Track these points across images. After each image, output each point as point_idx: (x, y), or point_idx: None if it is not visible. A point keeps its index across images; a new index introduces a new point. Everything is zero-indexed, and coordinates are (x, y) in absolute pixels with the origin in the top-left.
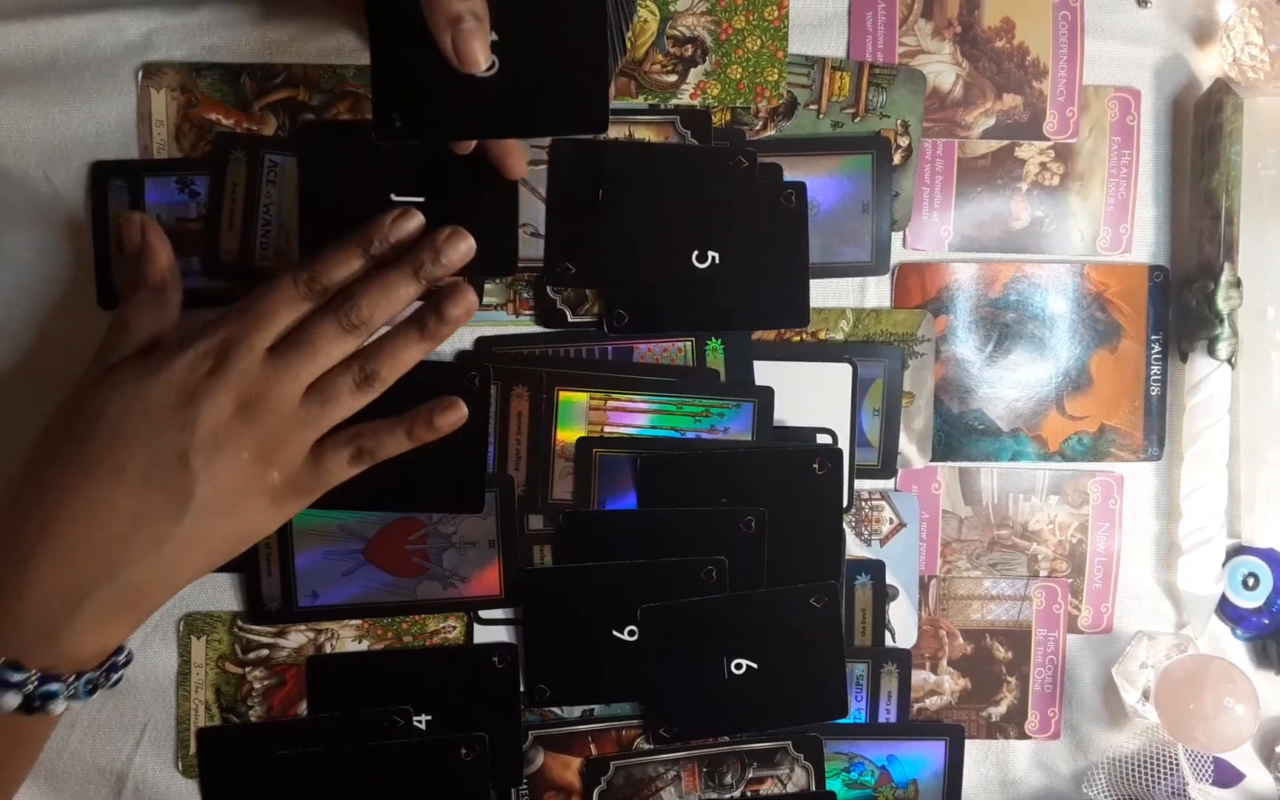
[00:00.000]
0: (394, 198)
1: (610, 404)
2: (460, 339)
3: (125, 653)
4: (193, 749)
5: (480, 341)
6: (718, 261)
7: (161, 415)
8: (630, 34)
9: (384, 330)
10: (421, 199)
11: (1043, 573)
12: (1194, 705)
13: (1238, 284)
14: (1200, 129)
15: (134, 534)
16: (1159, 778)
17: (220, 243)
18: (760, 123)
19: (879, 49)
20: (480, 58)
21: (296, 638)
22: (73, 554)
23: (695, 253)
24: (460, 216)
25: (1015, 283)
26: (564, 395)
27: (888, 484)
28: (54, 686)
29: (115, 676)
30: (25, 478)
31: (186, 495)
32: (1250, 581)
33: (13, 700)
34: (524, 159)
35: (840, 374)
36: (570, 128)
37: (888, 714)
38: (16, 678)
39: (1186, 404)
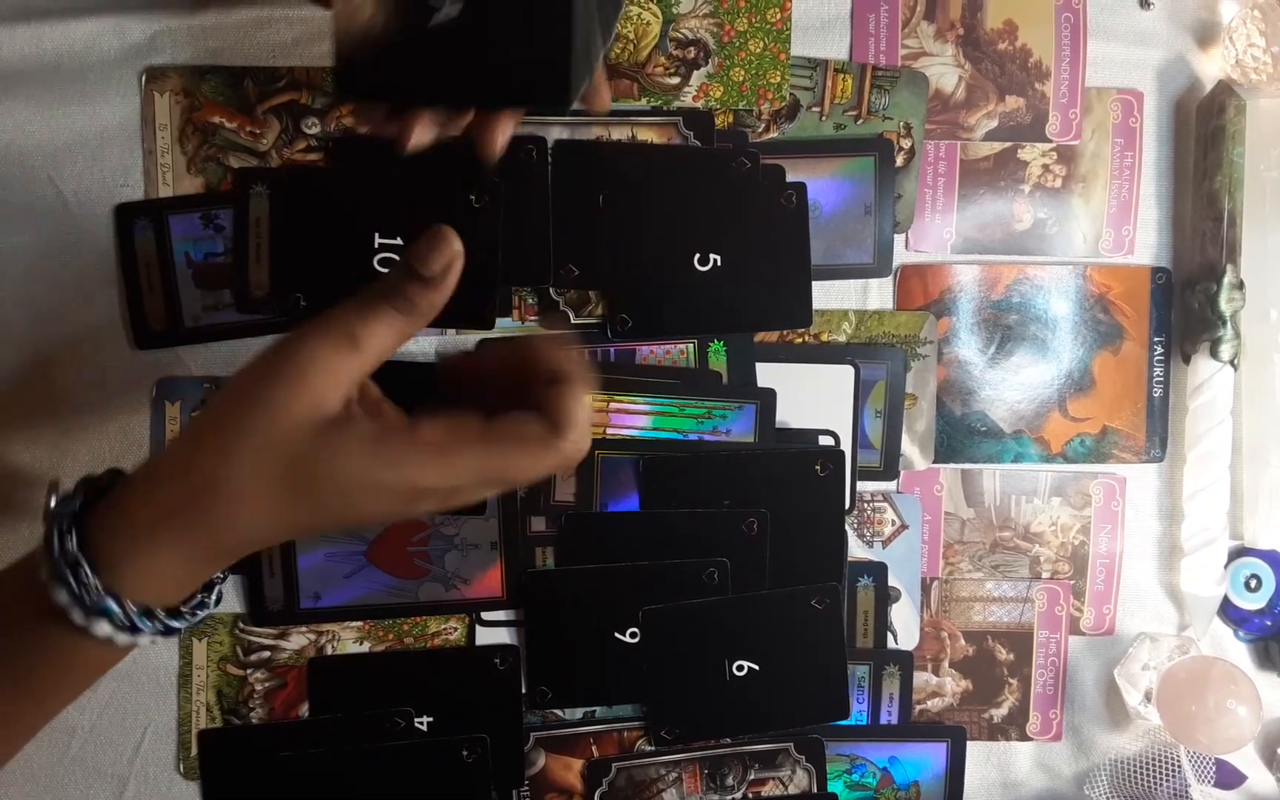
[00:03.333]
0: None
1: (612, 406)
2: (463, 341)
3: (215, 590)
4: (194, 751)
5: (483, 344)
6: (720, 264)
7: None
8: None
9: None
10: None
11: (1045, 575)
12: (1196, 707)
13: (1240, 286)
14: (1203, 131)
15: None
16: (1161, 779)
17: (250, 278)
18: (763, 125)
19: (881, 51)
20: None
21: (297, 639)
22: (207, 554)
23: (697, 255)
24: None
25: (1018, 284)
26: None
27: (890, 486)
28: (177, 623)
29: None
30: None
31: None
32: (1252, 583)
33: (146, 639)
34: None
35: (842, 376)
36: (531, 97)
37: (889, 716)
38: (122, 609)
39: (1189, 406)
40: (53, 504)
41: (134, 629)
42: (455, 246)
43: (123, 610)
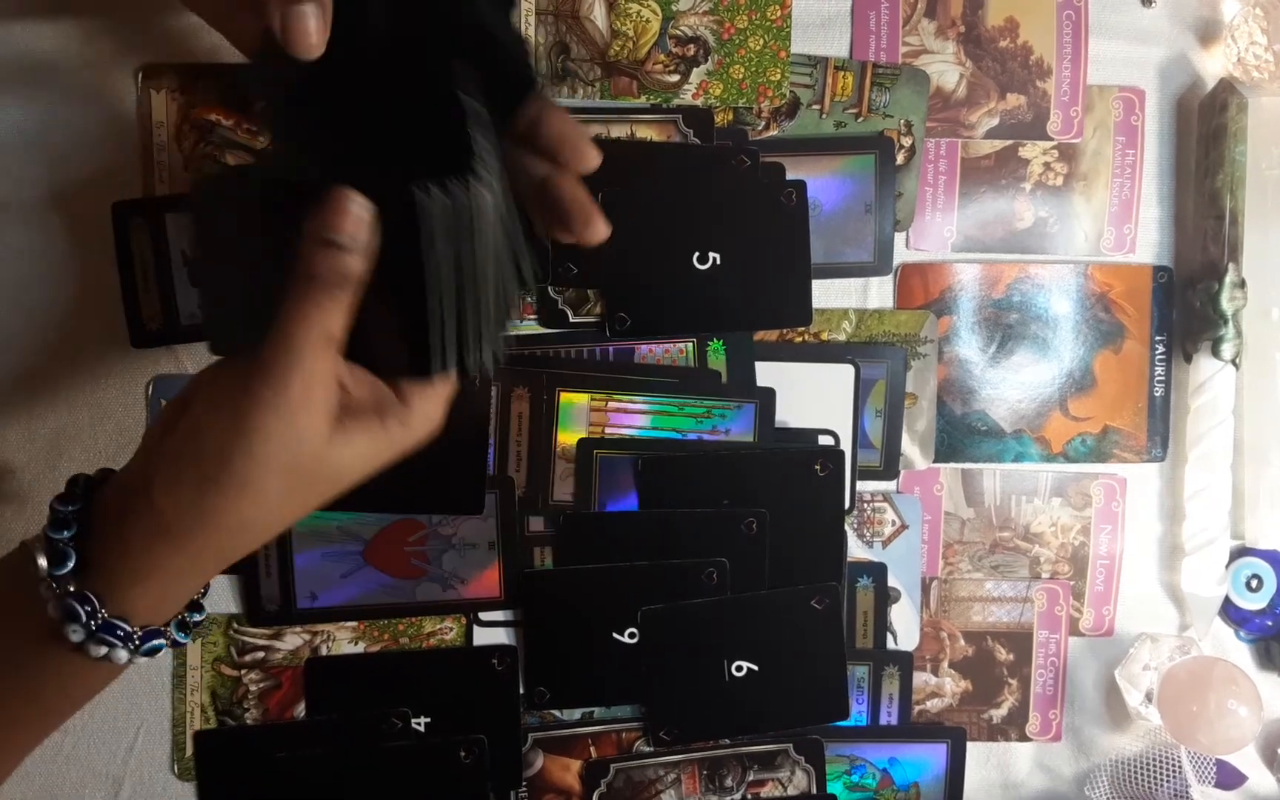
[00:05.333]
0: None
1: (611, 405)
2: None
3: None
4: (189, 751)
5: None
6: (719, 262)
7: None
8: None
9: None
10: None
11: (1045, 575)
12: (1197, 707)
13: (1242, 284)
14: (1205, 129)
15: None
16: (1162, 780)
17: None
18: (763, 123)
19: (882, 49)
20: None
21: (292, 640)
22: (210, 556)
23: (696, 253)
24: None
25: (1018, 283)
26: (565, 396)
27: (890, 485)
28: (157, 641)
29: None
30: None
31: None
32: (1254, 583)
33: (122, 655)
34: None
35: (842, 375)
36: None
37: (889, 716)
38: (124, 631)
39: (1190, 405)
40: (51, 533)
41: (143, 648)
42: (357, 209)
43: (133, 635)
